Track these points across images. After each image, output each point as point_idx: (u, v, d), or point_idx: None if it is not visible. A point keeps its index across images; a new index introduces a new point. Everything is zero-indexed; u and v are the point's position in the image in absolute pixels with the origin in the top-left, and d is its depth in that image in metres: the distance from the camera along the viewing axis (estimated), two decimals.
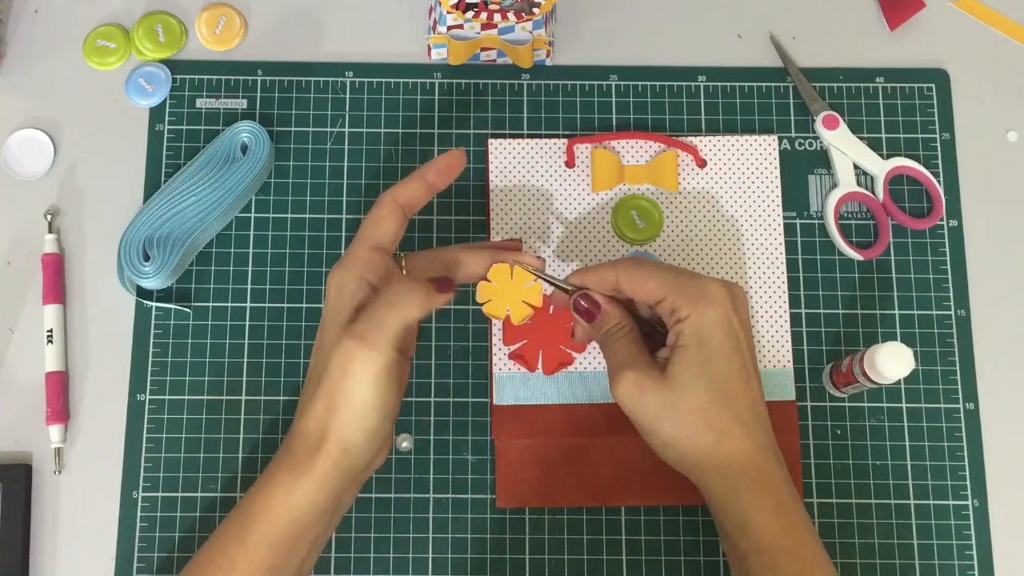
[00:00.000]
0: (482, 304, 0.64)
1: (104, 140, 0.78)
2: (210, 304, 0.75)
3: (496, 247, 0.66)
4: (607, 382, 0.64)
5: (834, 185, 0.78)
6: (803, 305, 0.76)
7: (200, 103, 0.79)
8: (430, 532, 0.71)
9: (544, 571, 0.71)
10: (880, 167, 0.77)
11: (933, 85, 0.80)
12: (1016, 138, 0.79)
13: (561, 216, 0.76)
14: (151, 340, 0.74)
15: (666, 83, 0.79)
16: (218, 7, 0.81)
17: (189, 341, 0.74)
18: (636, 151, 0.77)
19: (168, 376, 0.73)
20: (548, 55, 0.79)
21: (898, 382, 0.74)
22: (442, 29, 0.75)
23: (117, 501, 0.72)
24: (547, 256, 0.75)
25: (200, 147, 0.77)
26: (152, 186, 0.77)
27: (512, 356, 0.73)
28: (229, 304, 0.75)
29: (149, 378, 0.74)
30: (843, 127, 0.78)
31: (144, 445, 0.72)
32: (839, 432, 0.73)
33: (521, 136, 0.78)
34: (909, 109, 0.79)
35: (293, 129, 0.78)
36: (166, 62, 0.79)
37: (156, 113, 0.78)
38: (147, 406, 0.73)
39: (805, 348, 0.75)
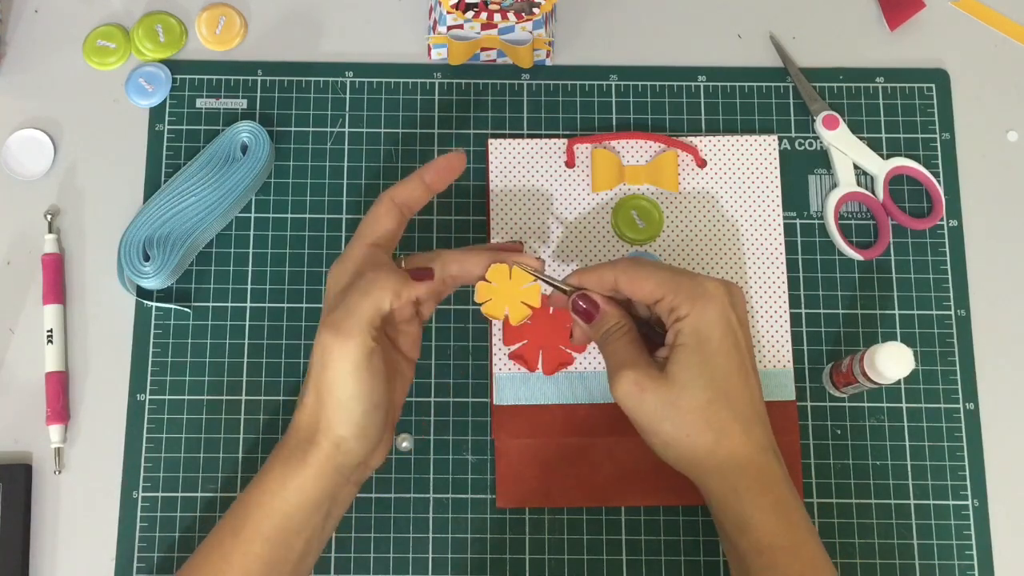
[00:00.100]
0: (480, 304, 0.64)
1: (104, 140, 0.78)
2: (210, 304, 0.75)
3: (496, 248, 0.66)
4: (607, 382, 0.64)
5: (834, 185, 0.78)
6: (803, 305, 0.76)
7: (200, 103, 0.79)
8: (430, 532, 0.71)
9: (544, 571, 0.71)
10: (880, 167, 0.77)
11: (933, 85, 0.80)
12: (1016, 138, 0.79)
13: (561, 216, 0.76)
14: (151, 340, 0.74)
15: (666, 83, 0.79)
16: (218, 7, 0.81)
17: (189, 341, 0.74)
18: (636, 151, 0.77)
19: (168, 376, 0.73)
20: (548, 55, 0.79)
21: (898, 382, 0.74)
22: (442, 29, 0.75)
23: (117, 501, 0.72)
24: (547, 256, 0.75)
25: (200, 147, 0.77)
26: (152, 186, 0.77)
27: (512, 356, 0.73)
28: (229, 304, 0.75)
29: (149, 378, 0.74)
30: (843, 127, 0.78)
31: (144, 445, 0.72)
32: (839, 432, 0.73)
33: (521, 136, 0.78)
34: (909, 109, 0.79)
35: (293, 129, 0.78)
36: (166, 62, 0.79)
37: (156, 113, 0.78)
38: (147, 406, 0.73)
39: (805, 348, 0.75)
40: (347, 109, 0.79)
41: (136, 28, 0.80)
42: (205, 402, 0.73)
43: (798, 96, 0.79)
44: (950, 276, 0.76)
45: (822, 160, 0.78)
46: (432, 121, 0.78)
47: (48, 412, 0.72)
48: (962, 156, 0.79)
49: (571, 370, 0.73)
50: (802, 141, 0.79)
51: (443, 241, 0.76)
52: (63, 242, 0.76)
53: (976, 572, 0.71)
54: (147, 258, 0.73)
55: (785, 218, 0.77)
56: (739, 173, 0.77)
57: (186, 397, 0.73)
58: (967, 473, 0.73)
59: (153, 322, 0.74)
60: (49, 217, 0.76)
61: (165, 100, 0.78)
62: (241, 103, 0.79)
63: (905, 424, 0.74)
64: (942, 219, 0.77)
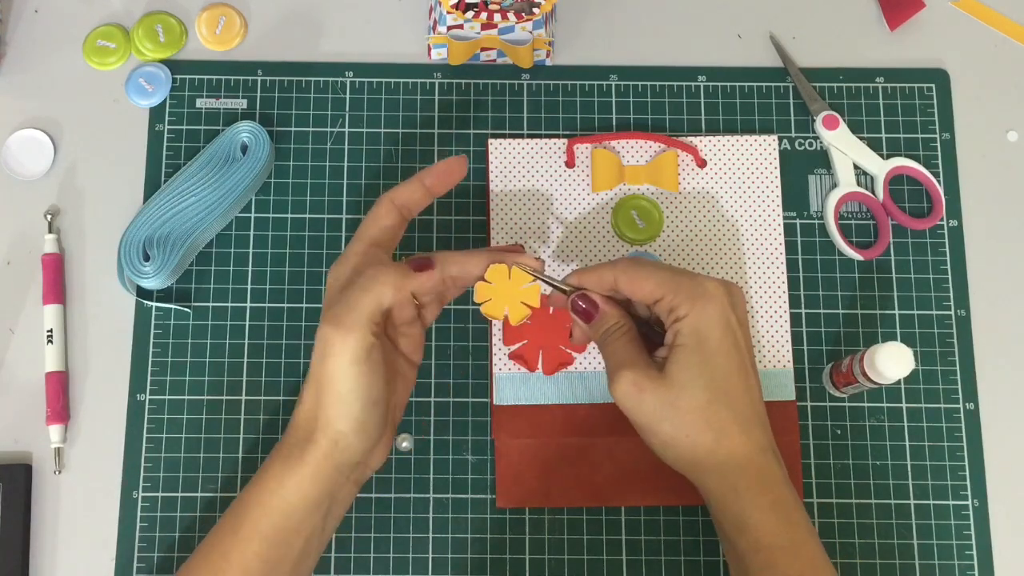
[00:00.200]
0: (480, 304, 0.64)
1: (104, 140, 0.78)
2: (210, 304, 0.75)
3: (496, 250, 0.66)
4: (607, 382, 0.64)
5: (834, 185, 0.78)
6: (803, 305, 0.76)
7: (200, 103, 0.79)
8: (430, 532, 0.71)
9: (544, 571, 0.71)
10: (880, 167, 0.77)
11: (933, 85, 0.80)
12: (1016, 138, 0.79)
13: (561, 216, 0.76)
14: (151, 340, 0.74)
15: (666, 83, 0.79)
16: (218, 7, 0.81)
17: (189, 341, 0.74)
18: (636, 151, 0.77)
19: (168, 376, 0.73)
20: (548, 55, 0.79)
21: (898, 382, 0.74)
22: (442, 29, 0.75)
23: (117, 501, 0.72)
24: (547, 256, 0.75)
25: (200, 147, 0.77)
26: (152, 186, 0.77)
27: (512, 356, 0.73)
28: (229, 304, 0.75)
29: (149, 378, 0.74)
30: (843, 127, 0.78)
31: (144, 445, 0.72)
32: (839, 432, 0.73)
33: (521, 136, 0.78)
34: (909, 109, 0.79)
35: (293, 129, 0.78)
36: (166, 62, 0.79)
37: (156, 113, 0.78)
38: (147, 406, 0.73)
39: (805, 348, 0.75)
40: (347, 109, 0.79)
41: (136, 28, 0.80)
42: (205, 402, 0.73)
43: (798, 96, 0.79)
44: (950, 276, 0.76)
45: (822, 160, 0.78)
46: (432, 121, 0.78)
47: (48, 412, 0.72)
48: (962, 156, 0.79)
49: (571, 370, 0.73)
50: (802, 141, 0.79)
51: (443, 241, 0.76)
52: (63, 242, 0.76)
53: (976, 572, 0.71)
54: (147, 258, 0.73)
55: (785, 218, 0.77)
56: (739, 173, 0.77)
57: (186, 397, 0.73)
58: (967, 473, 0.73)
59: (153, 322, 0.74)
60: (49, 217, 0.76)
61: (165, 100, 0.78)
62: (241, 103, 0.79)
63: (905, 424, 0.74)
64: (942, 219, 0.77)
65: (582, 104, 0.79)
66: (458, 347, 0.74)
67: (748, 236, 0.76)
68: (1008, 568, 0.71)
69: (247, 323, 0.75)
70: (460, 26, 0.74)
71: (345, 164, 0.78)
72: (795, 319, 0.75)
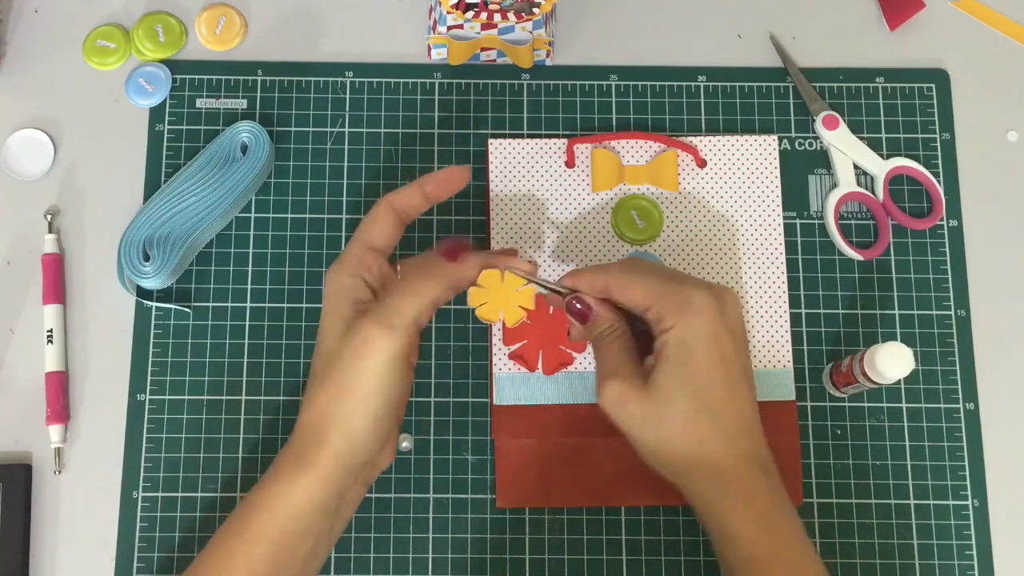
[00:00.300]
0: (475, 308, 0.64)
1: (104, 140, 0.78)
2: (210, 304, 0.75)
3: (489, 255, 0.66)
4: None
5: (834, 185, 0.78)
6: (803, 305, 0.76)
7: (200, 103, 0.79)
8: (430, 532, 0.71)
9: (544, 571, 0.71)
10: (880, 167, 0.77)
11: (933, 85, 0.80)
12: (1016, 138, 0.79)
13: (561, 216, 0.76)
14: (151, 340, 0.74)
15: (666, 83, 0.79)
16: (218, 7, 0.81)
17: (189, 341, 0.74)
18: (636, 151, 0.77)
19: (168, 376, 0.73)
20: (548, 55, 0.79)
21: (898, 382, 0.74)
22: (442, 29, 0.75)
23: (117, 501, 0.72)
24: (547, 256, 0.75)
25: (200, 147, 0.77)
26: (152, 186, 0.77)
27: (512, 356, 0.73)
28: (229, 304, 0.75)
29: (149, 378, 0.74)
30: (843, 127, 0.78)
31: (144, 445, 0.72)
32: (839, 432, 0.73)
33: (521, 136, 0.78)
34: (909, 109, 0.79)
35: (293, 129, 0.78)
36: (166, 62, 0.79)
37: (156, 113, 0.78)
38: (147, 406, 0.73)
39: (805, 348, 0.75)
40: (347, 109, 0.79)
41: (136, 28, 0.80)
42: (205, 402, 0.73)
43: (798, 96, 0.79)
44: (950, 276, 0.76)
45: (822, 160, 0.78)
46: (432, 121, 0.78)
47: (48, 412, 0.72)
48: (962, 156, 0.79)
49: (571, 370, 0.73)
50: (802, 141, 0.79)
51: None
52: (63, 242, 0.76)
53: (976, 572, 0.71)
54: (147, 258, 0.73)
55: (785, 218, 0.77)
56: (739, 173, 0.77)
57: (186, 397, 0.73)
58: (967, 473, 0.73)
59: (153, 322, 0.74)
60: (49, 217, 0.76)
61: (165, 100, 0.78)
62: (241, 103, 0.79)
63: (905, 424, 0.74)
64: (942, 219, 0.77)
65: (582, 104, 0.79)
66: (458, 347, 0.74)
67: (748, 236, 0.76)
68: (1008, 568, 0.71)
69: (247, 323, 0.75)
70: (460, 26, 0.74)
71: (345, 164, 0.78)
72: (795, 319, 0.75)
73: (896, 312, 0.76)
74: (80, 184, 0.77)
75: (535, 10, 0.72)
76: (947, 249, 0.77)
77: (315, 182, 0.77)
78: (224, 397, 0.73)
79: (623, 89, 0.79)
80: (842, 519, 0.72)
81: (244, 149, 0.76)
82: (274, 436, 0.73)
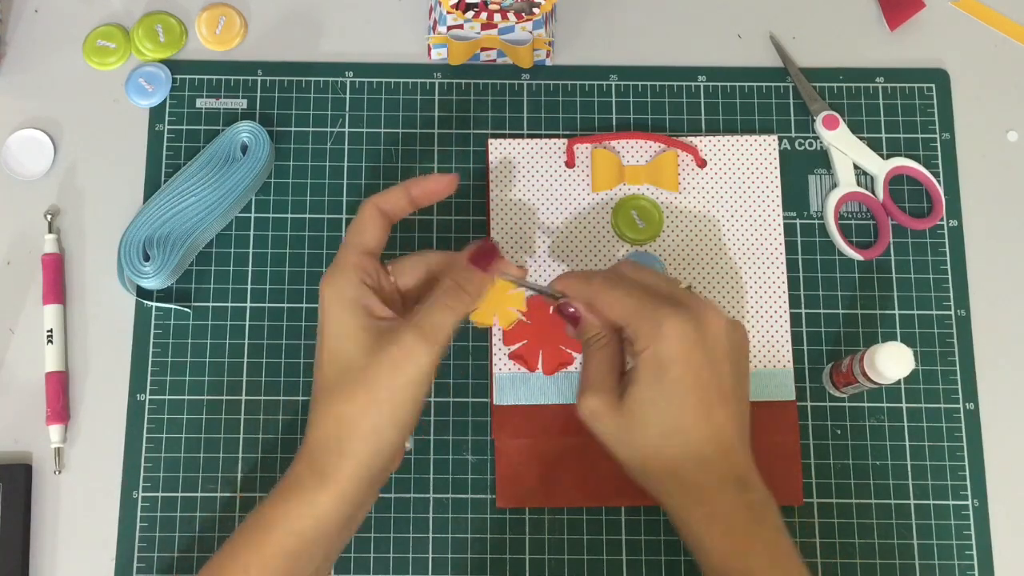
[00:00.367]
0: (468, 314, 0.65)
1: (104, 140, 0.78)
2: (210, 304, 0.75)
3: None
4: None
5: (834, 185, 0.78)
6: (803, 305, 0.76)
7: (200, 103, 0.79)
8: (430, 532, 0.71)
9: (544, 571, 0.71)
10: (880, 167, 0.77)
11: (933, 85, 0.80)
12: (1016, 138, 0.79)
13: (561, 216, 0.76)
14: (151, 340, 0.74)
15: (666, 83, 0.79)
16: (218, 7, 0.81)
17: (189, 341, 0.74)
18: (636, 151, 0.77)
19: (168, 376, 0.73)
20: (548, 55, 0.79)
21: (898, 382, 0.74)
22: (442, 29, 0.75)
23: (117, 501, 0.72)
24: (547, 256, 0.75)
25: (200, 147, 0.77)
26: (152, 186, 0.77)
27: (512, 356, 0.73)
28: (229, 304, 0.75)
29: (149, 378, 0.74)
30: (843, 127, 0.78)
31: (144, 445, 0.72)
32: (839, 432, 0.73)
33: (521, 136, 0.78)
34: (909, 109, 0.79)
35: (293, 129, 0.78)
36: (166, 62, 0.79)
37: (156, 113, 0.78)
38: (147, 406, 0.73)
39: (805, 348, 0.75)
40: (347, 109, 0.79)
41: (136, 28, 0.80)
42: (205, 402, 0.73)
43: (798, 96, 0.79)
44: (950, 276, 0.76)
45: (822, 160, 0.78)
46: (432, 121, 0.79)
47: (48, 412, 0.72)
48: (962, 156, 0.79)
49: (571, 370, 0.73)
50: (802, 141, 0.79)
51: (443, 241, 0.76)
52: (63, 242, 0.76)
53: (976, 572, 0.71)
54: (147, 258, 0.73)
55: (785, 218, 0.77)
56: (739, 173, 0.77)
57: (186, 397, 0.73)
58: (967, 473, 0.73)
59: (153, 322, 0.74)
60: (49, 217, 0.76)
61: (165, 100, 0.78)
62: (241, 103, 0.79)
63: (905, 424, 0.74)
64: (942, 219, 0.77)
65: (582, 104, 0.79)
66: (458, 347, 0.74)
67: (748, 236, 0.76)
68: (1008, 568, 0.71)
69: (247, 323, 0.75)
70: (460, 26, 0.74)
71: (345, 164, 0.78)
72: (795, 319, 0.75)
73: (896, 312, 0.76)
74: (80, 184, 0.77)
75: (535, 10, 0.72)
76: (947, 249, 0.77)
77: (315, 182, 0.77)
78: (224, 397, 0.73)
79: (623, 89, 0.79)
80: (842, 519, 0.72)
81: (244, 149, 0.76)
82: (274, 436, 0.73)
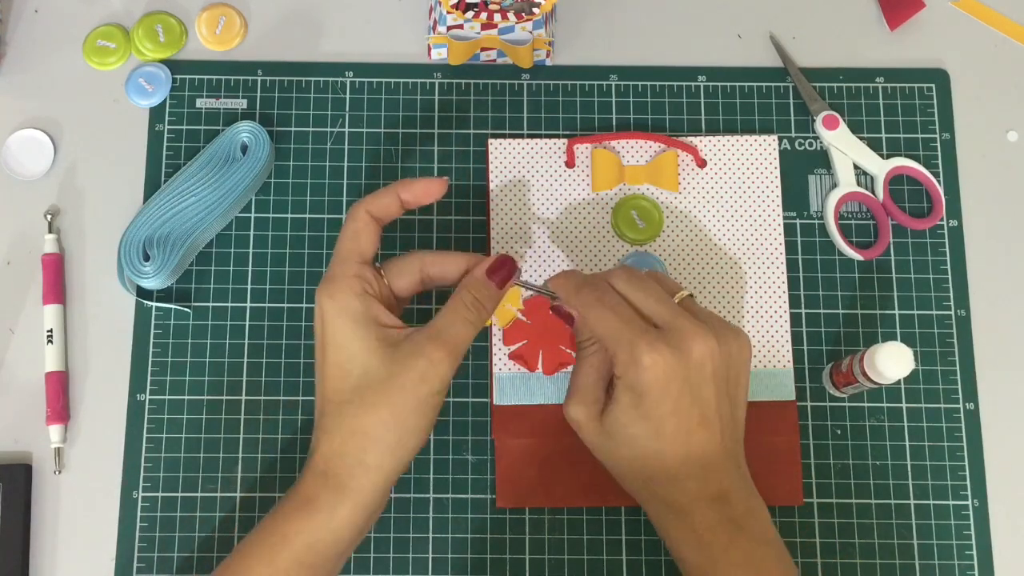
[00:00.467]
0: None
1: (104, 140, 0.78)
2: (210, 304, 0.75)
3: (474, 256, 0.66)
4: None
5: (834, 185, 0.78)
6: (803, 305, 0.76)
7: (200, 103, 0.79)
8: (430, 532, 0.71)
9: (544, 571, 0.71)
10: (880, 167, 0.77)
11: (933, 85, 0.80)
12: (1016, 138, 0.79)
13: (561, 216, 0.76)
14: (151, 340, 0.74)
15: (666, 83, 0.79)
16: (218, 7, 0.81)
17: (189, 341, 0.74)
18: (636, 151, 0.77)
19: (168, 376, 0.73)
20: (548, 55, 0.79)
21: (898, 382, 0.74)
22: (442, 29, 0.75)
23: (117, 501, 0.72)
24: (547, 256, 0.75)
25: (200, 147, 0.77)
26: (152, 186, 0.77)
27: (512, 356, 0.73)
28: (229, 304, 0.75)
29: (149, 378, 0.74)
30: (843, 127, 0.78)
31: (144, 445, 0.72)
32: (839, 432, 0.73)
33: (521, 136, 0.78)
34: (909, 109, 0.79)
35: (293, 129, 0.78)
36: (166, 62, 0.79)
37: (156, 113, 0.78)
38: (147, 406, 0.73)
39: (805, 348, 0.75)
40: (347, 109, 0.79)
41: (136, 28, 0.80)
42: (205, 402, 0.73)
43: (798, 96, 0.79)
44: (950, 276, 0.76)
45: (822, 160, 0.78)
46: (432, 121, 0.78)
47: (48, 412, 0.72)
48: (962, 156, 0.79)
49: (571, 370, 0.73)
50: (802, 141, 0.79)
51: (443, 241, 0.76)
52: (63, 242, 0.76)
53: (976, 572, 0.71)
54: (147, 258, 0.73)
55: (785, 218, 0.77)
56: (739, 173, 0.77)
57: (186, 397, 0.73)
58: (967, 473, 0.73)
59: (153, 322, 0.74)
60: (49, 217, 0.76)
61: (165, 100, 0.78)
62: (241, 103, 0.79)
63: (905, 424, 0.74)
64: (942, 219, 0.77)
65: (582, 104, 0.79)
66: None
67: (748, 236, 0.76)
68: (1008, 568, 0.71)
69: (247, 323, 0.75)
70: (460, 26, 0.74)
71: (345, 164, 0.78)
72: (795, 319, 0.75)
73: (896, 312, 0.76)
74: (80, 184, 0.77)
75: (535, 10, 0.72)
76: (947, 249, 0.77)
77: (315, 182, 0.77)
78: (224, 397, 0.73)
79: (623, 89, 0.79)
80: (842, 519, 0.72)
81: (244, 149, 0.76)
82: (274, 436, 0.73)
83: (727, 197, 0.77)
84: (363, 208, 0.64)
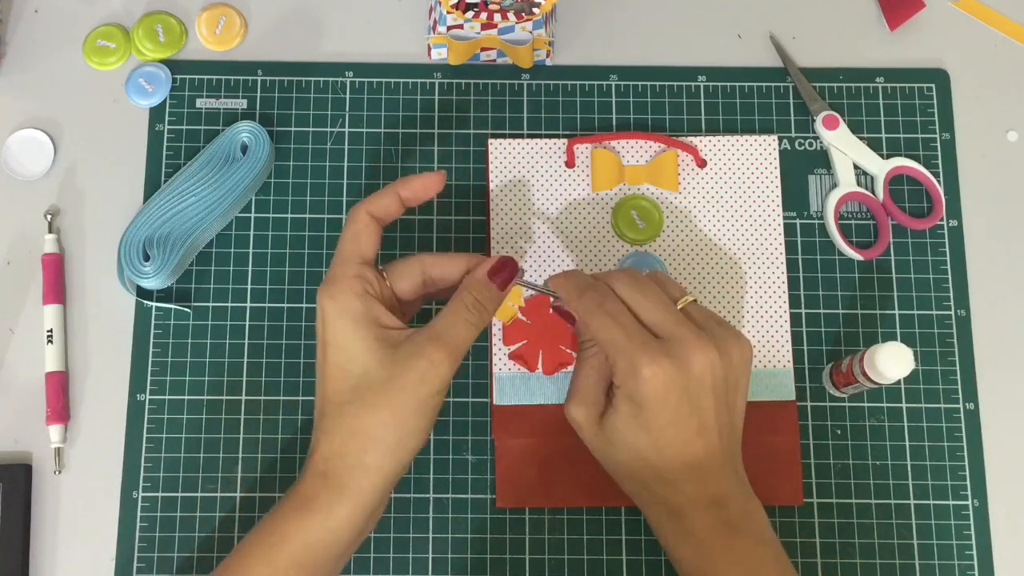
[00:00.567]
0: None
1: (104, 140, 0.78)
2: (210, 304, 0.75)
3: (475, 256, 0.66)
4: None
5: (834, 185, 0.78)
6: (803, 305, 0.76)
7: (200, 103, 0.79)
8: (430, 532, 0.71)
9: (544, 571, 0.71)
10: (880, 167, 0.77)
11: (933, 85, 0.80)
12: (1016, 138, 0.79)
13: (561, 216, 0.76)
14: (151, 340, 0.74)
15: (666, 83, 0.79)
16: (218, 7, 0.81)
17: (189, 341, 0.74)
18: (636, 151, 0.77)
19: (168, 376, 0.73)
20: (548, 55, 0.79)
21: (898, 382, 0.74)
22: (442, 29, 0.75)
23: (117, 501, 0.72)
24: (547, 256, 0.75)
25: (200, 147, 0.77)
26: (152, 186, 0.77)
27: (512, 356, 0.73)
28: (229, 304, 0.75)
29: (149, 378, 0.74)
30: (843, 127, 0.78)
31: (144, 445, 0.72)
32: (839, 432, 0.73)
33: (521, 136, 0.78)
34: (909, 109, 0.79)
35: (293, 129, 0.78)
36: (166, 62, 0.79)
37: (156, 113, 0.78)
38: (147, 406, 0.73)
39: (805, 348, 0.75)
40: (347, 109, 0.79)
41: (136, 28, 0.80)
42: (205, 402, 0.73)
43: (798, 96, 0.79)
44: (950, 276, 0.76)
45: (822, 160, 0.78)
46: (432, 121, 0.78)
47: (48, 412, 0.72)
48: (962, 156, 0.79)
49: (571, 370, 0.73)
50: (802, 141, 0.79)
51: (443, 241, 0.76)
52: (63, 242, 0.76)
53: (976, 572, 0.71)
54: (147, 258, 0.73)
55: (785, 218, 0.77)
56: (739, 173, 0.77)
57: (186, 397, 0.73)
58: (967, 473, 0.73)
59: (153, 322, 0.74)
60: (49, 217, 0.76)
61: (165, 100, 0.78)
62: (241, 103, 0.79)
63: (905, 424, 0.74)
64: (942, 219, 0.77)
65: (582, 104, 0.79)
66: None
67: (748, 236, 0.76)
68: (1008, 568, 0.71)
69: (247, 323, 0.75)
70: (460, 26, 0.74)
71: (345, 164, 0.78)
72: (795, 319, 0.75)
73: (896, 312, 0.76)
74: (80, 184, 0.77)
75: (535, 10, 0.72)
76: (947, 249, 0.77)
77: (315, 182, 0.77)
78: (224, 397, 0.73)
79: (623, 89, 0.79)
80: (842, 519, 0.72)
81: (244, 149, 0.76)
82: (274, 436, 0.73)
83: (727, 197, 0.77)
84: (364, 209, 0.64)
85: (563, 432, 0.72)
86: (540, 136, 0.78)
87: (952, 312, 0.76)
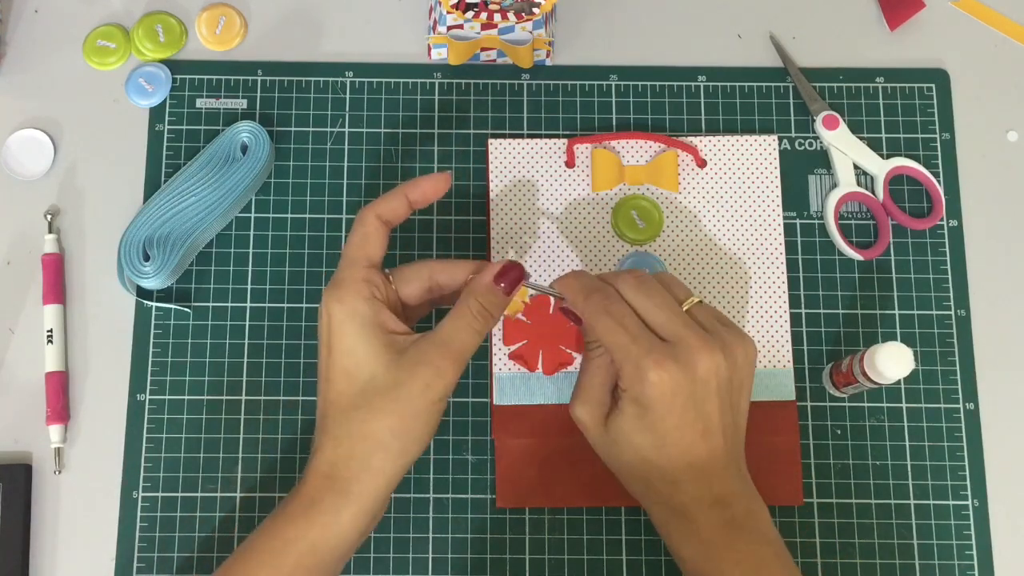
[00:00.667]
0: None
1: (104, 140, 0.78)
2: (210, 304, 0.75)
3: (480, 263, 0.66)
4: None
5: (834, 185, 0.78)
6: (803, 305, 0.76)
7: (200, 103, 0.79)
8: (430, 532, 0.71)
9: (544, 571, 0.71)
10: (880, 167, 0.77)
11: (933, 85, 0.80)
12: (1016, 138, 0.79)
13: (561, 216, 0.76)
14: (151, 340, 0.74)
15: (666, 83, 0.79)
16: (218, 7, 0.81)
17: (189, 341, 0.74)
18: (636, 151, 0.77)
19: (168, 376, 0.73)
20: (548, 55, 0.79)
21: (898, 382, 0.74)
22: (442, 29, 0.75)
23: (117, 501, 0.72)
24: (547, 256, 0.75)
25: (200, 147, 0.77)
26: (152, 186, 0.77)
27: (512, 356, 0.73)
28: (229, 304, 0.75)
29: (149, 378, 0.74)
30: (843, 127, 0.78)
31: (144, 445, 0.72)
32: (839, 432, 0.73)
33: (521, 136, 0.78)
34: (909, 109, 0.79)
35: (293, 129, 0.78)
36: (166, 62, 0.79)
37: (156, 113, 0.78)
38: (147, 406, 0.73)
39: (805, 348, 0.75)
40: (347, 109, 0.79)
41: (136, 28, 0.80)
42: (205, 402, 0.73)
43: (798, 96, 0.79)
44: (950, 276, 0.76)
45: (822, 160, 0.78)
46: (432, 121, 0.79)
47: (48, 412, 0.72)
48: (962, 156, 0.79)
49: (571, 370, 0.73)
50: (802, 141, 0.79)
51: (443, 241, 0.76)
52: (63, 242, 0.76)
53: (976, 572, 0.71)
54: (147, 258, 0.73)
55: (785, 218, 0.77)
56: (739, 173, 0.77)
57: (186, 397, 0.73)
58: (967, 473, 0.73)
59: (153, 322, 0.74)
60: (49, 217, 0.76)
61: (165, 100, 0.78)
62: (241, 103, 0.79)
63: (905, 424, 0.74)
64: (942, 219, 0.77)
65: (582, 104, 0.79)
66: None
67: (748, 236, 0.76)
68: (1008, 568, 0.71)
69: (247, 323, 0.75)
70: (460, 26, 0.74)
71: (345, 164, 0.78)
72: (795, 319, 0.75)
73: (896, 312, 0.76)
74: (80, 184, 0.77)
75: (535, 10, 0.72)
76: (947, 249, 0.77)
77: (315, 182, 0.77)
78: (224, 397, 0.73)
79: (623, 89, 0.79)
80: (842, 519, 0.72)
81: (244, 149, 0.76)
82: (274, 436, 0.73)
83: (727, 197, 0.77)
84: (372, 212, 0.64)
85: (563, 432, 0.72)
86: (540, 136, 0.78)
87: (952, 312, 0.76)
